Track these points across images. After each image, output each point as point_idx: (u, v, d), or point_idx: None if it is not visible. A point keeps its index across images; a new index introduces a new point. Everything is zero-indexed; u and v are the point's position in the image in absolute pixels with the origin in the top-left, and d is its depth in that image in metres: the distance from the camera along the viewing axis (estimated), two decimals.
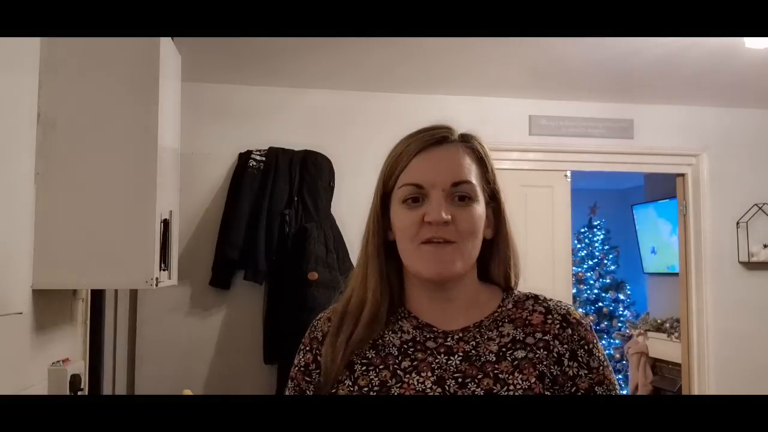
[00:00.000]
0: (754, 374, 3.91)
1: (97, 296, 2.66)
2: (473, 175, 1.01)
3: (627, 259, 7.27)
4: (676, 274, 4.33)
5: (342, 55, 3.16)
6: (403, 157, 1.02)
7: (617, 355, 6.76)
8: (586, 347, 1.00)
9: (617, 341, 6.86)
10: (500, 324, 1.02)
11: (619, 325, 7.06)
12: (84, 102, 2.03)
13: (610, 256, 7.37)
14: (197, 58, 3.03)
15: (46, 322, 2.09)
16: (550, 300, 1.06)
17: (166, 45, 2.20)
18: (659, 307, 6.49)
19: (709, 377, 3.91)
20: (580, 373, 0.99)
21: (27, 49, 1.46)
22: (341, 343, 1.01)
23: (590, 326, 1.04)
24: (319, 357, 1.04)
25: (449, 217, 0.97)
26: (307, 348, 1.07)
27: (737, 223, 4.00)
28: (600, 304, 7.21)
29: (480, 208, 1.01)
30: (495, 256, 1.06)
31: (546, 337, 1.00)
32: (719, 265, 3.98)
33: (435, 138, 1.02)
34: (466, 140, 1.04)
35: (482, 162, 1.04)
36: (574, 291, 6.68)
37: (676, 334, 5.52)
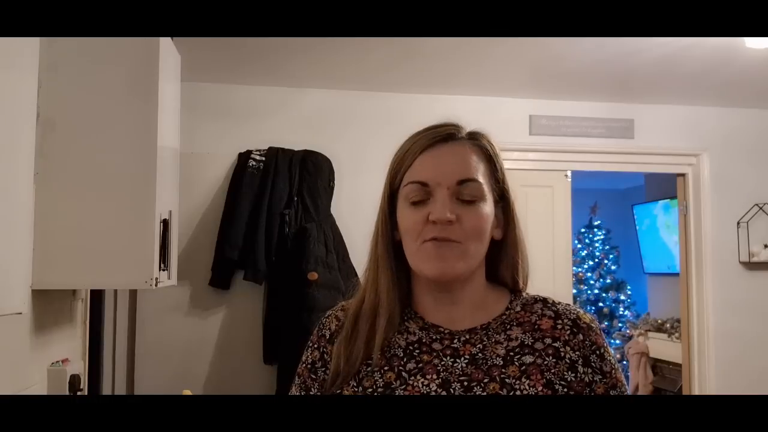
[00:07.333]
0: (755, 374, 3.91)
1: (97, 296, 2.66)
2: (480, 174, 0.99)
3: (627, 259, 7.27)
4: (677, 274, 4.32)
5: (342, 55, 3.16)
6: (409, 155, 1.00)
7: (618, 356, 6.76)
8: (597, 352, 0.98)
9: (617, 341, 6.86)
10: (508, 327, 1.00)
11: (620, 325, 7.07)
12: (84, 102, 2.03)
13: (611, 256, 7.38)
14: (197, 58, 3.03)
15: (46, 322, 2.09)
16: (559, 303, 1.03)
17: (166, 45, 2.20)
18: (660, 307, 6.49)
19: (710, 377, 3.91)
20: (595, 378, 0.97)
21: (26, 49, 1.46)
22: (359, 347, 0.99)
23: (600, 330, 1.02)
24: (326, 355, 1.03)
25: (454, 216, 0.95)
26: (315, 346, 1.06)
27: (738, 223, 4.00)
28: (600, 304, 7.22)
29: (487, 207, 0.99)
30: (503, 257, 1.04)
31: (556, 344, 0.98)
32: (720, 265, 3.98)
33: (441, 135, 1.00)
34: (474, 138, 1.02)
35: (491, 160, 1.01)
36: (575, 291, 6.69)
37: (677, 335, 5.52)
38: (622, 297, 7.24)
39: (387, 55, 3.14)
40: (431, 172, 0.98)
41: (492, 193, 1.00)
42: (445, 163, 0.98)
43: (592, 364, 0.98)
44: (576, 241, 7.15)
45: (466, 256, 0.97)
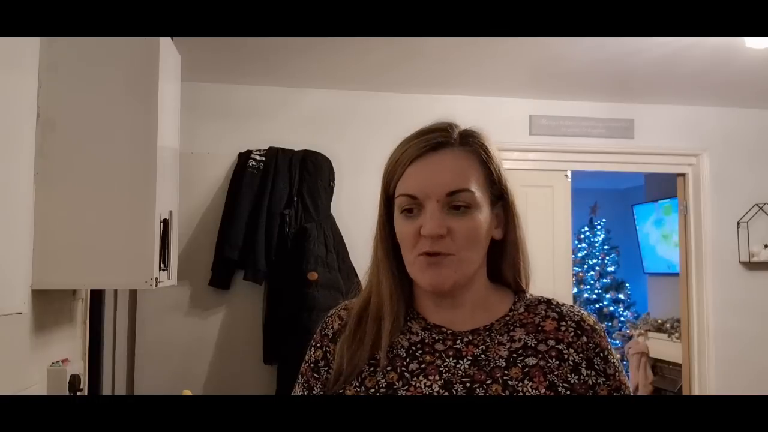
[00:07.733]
0: (755, 374, 3.91)
1: (97, 296, 2.66)
2: (473, 181, 0.97)
3: (627, 259, 7.27)
4: (677, 274, 4.32)
5: (342, 55, 3.16)
6: (399, 166, 0.98)
7: (618, 356, 6.74)
8: (601, 355, 0.98)
9: (617, 341, 6.86)
10: (511, 328, 1.00)
11: (620, 325, 7.07)
12: (84, 102, 2.03)
13: (611, 256, 7.38)
14: (197, 58, 3.03)
15: (46, 322, 2.09)
16: (563, 305, 1.03)
17: (166, 45, 2.20)
18: (660, 307, 6.49)
19: (710, 377, 3.91)
20: (598, 381, 0.97)
21: (26, 49, 1.46)
22: (364, 348, 0.99)
23: (604, 332, 1.01)
24: (328, 354, 1.03)
25: (444, 230, 0.94)
26: (318, 345, 1.05)
27: (738, 223, 4.00)
28: (600, 304, 7.22)
29: (482, 215, 0.97)
30: (504, 257, 1.03)
31: (559, 346, 0.97)
32: (720, 265, 3.98)
33: (430, 144, 0.98)
34: (466, 142, 0.99)
35: (484, 164, 0.99)
36: (575, 291, 6.69)
37: (677, 335, 5.52)
38: (622, 297, 7.24)
39: (387, 55, 3.14)
40: (421, 184, 0.96)
41: (488, 197, 0.99)
42: (434, 175, 0.96)
43: (596, 366, 0.97)
44: (576, 241, 7.15)
45: (460, 267, 0.96)
